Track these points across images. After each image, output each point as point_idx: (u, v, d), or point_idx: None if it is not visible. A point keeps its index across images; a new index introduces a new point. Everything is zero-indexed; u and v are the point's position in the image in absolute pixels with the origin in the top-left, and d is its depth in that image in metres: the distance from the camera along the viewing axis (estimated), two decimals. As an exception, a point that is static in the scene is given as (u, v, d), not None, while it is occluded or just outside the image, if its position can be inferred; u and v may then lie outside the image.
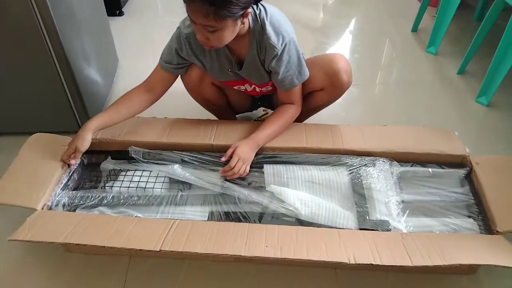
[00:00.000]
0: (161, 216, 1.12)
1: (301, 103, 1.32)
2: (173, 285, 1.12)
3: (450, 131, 1.34)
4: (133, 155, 1.26)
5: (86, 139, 1.18)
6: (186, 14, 1.06)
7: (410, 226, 1.09)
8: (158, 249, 0.95)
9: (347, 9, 2.71)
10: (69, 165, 1.23)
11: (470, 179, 1.23)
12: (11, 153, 1.22)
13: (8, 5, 1.22)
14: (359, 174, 1.20)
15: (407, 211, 1.13)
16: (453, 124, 1.70)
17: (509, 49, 1.62)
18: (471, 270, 1.12)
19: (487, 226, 1.10)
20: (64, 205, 1.15)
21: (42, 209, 1.09)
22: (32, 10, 1.24)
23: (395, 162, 1.23)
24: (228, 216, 1.11)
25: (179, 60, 1.24)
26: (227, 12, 0.98)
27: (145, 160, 1.26)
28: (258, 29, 1.15)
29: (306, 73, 1.24)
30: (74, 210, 1.14)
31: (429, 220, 1.12)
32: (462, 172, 1.23)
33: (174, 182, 1.22)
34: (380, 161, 1.23)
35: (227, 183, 1.18)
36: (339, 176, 1.21)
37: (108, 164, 1.28)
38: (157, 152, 1.27)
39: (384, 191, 1.16)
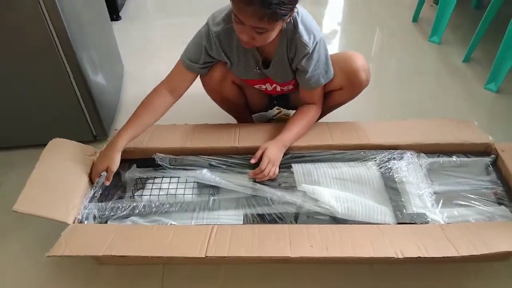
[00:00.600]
0: (196, 222, 1.11)
1: (322, 103, 1.33)
2: (213, 288, 1.12)
3: (470, 121, 1.35)
4: (159, 162, 1.25)
5: (116, 161, 1.18)
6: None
7: (446, 217, 1.10)
8: (203, 256, 0.94)
9: (341, 4, 2.71)
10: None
11: (496, 166, 1.24)
12: (27, 166, 1.18)
13: (20, 17, 1.19)
14: (389, 168, 1.21)
15: (441, 202, 1.14)
16: (463, 113, 1.72)
17: (517, 35, 1.64)
18: (505, 256, 1.13)
19: (519, 213, 1.11)
20: (94, 217, 1.13)
21: (74, 222, 1.07)
22: (44, 20, 1.21)
23: (422, 153, 1.24)
24: (263, 218, 1.11)
25: (206, 58, 1.23)
26: (282, 14, 0.98)
27: (172, 167, 1.25)
28: (291, 28, 1.15)
29: (332, 72, 1.25)
30: (106, 222, 1.12)
31: (463, 210, 1.13)
32: (487, 160, 1.24)
33: (203, 187, 1.21)
34: (408, 154, 1.23)
35: (258, 185, 1.17)
36: (369, 171, 1.21)
37: (134, 173, 1.26)
38: (183, 158, 1.26)
39: (416, 183, 1.16)
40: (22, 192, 1.06)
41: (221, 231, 1.02)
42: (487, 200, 1.16)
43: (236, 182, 1.19)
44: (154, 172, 1.26)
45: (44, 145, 1.27)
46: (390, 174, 1.20)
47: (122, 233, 1.03)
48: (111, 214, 1.14)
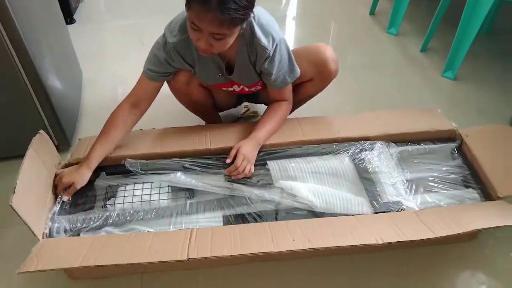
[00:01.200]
0: (174, 227, 1.08)
1: (292, 98, 1.33)
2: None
3: (434, 109, 1.41)
4: (130, 168, 1.20)
5: (84, 178, 1.16)
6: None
7: (420, 203, 1.13)
8: (185, 258, 0.92)
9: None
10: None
11: (461, 151, 1.29)
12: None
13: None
14: (362, 159, 1.23)
15: (413, 189, 1.17)
16: (424, 101, 1.78)
17: (471, 23, 1.72)
18: (472, 236, 1.18)
19: (486, 194, 1.17)
20: (65, 231, 1.08)
21: (43, 237, 1.02)
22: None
23: (392, 143, 1.27)
24: (243, 218, 1.09)
25: (168, 68, 1.21)
26: (240, 19, 0.98)
27: (144, 172, 1.21)
28: (248, 32, 1.14)
29: (298, 70, 1.25)
30: (78, 235, 1.07)
31: (435, 195, 1.17)
32: (453, 145, 1.29)
33: (178, 191, 1.18)
34: (378, 144, 1.26)
35: (236, 184, 1.16)
36: (343, 163, 1.23)
37: (103, 181, 1.21)
38: (155, 162, 1.23)
39: (389, 172, 1.19)
40: (17, 188, 0.98)
41: (201, 233, 1.00)
42: (456, 184, 1.20)
43: (212, 183, 1.17)
44: (124, 179, 1.21)
45: (8, 158, 1.21)
46: (363, 165, 1.22)
47: (97, 244, 0.99)
48: (83, 226, 1.09)
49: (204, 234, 1.00)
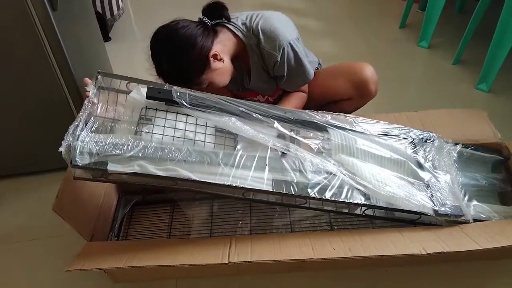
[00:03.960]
0: (220, 179, 0.95)
1: (307, 90, 1.35)
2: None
3: (479, 111, 1.38)
4: (176, 99, 1.01)
5: None
6: None
7: (472, 211, 1.10)
8: (226, 262, 0.93)
9: (328, 10, 2.75)
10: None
11: (506, 165, 1.26)
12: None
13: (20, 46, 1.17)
14: (423, 150, 1.17)
15: (467, 196, 1.13)
16: (458, 113, 1.74)
17: (506, 34, 1.69)
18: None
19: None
20: (91, 154, 0.89)
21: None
22: (42, 43, 1.18)
23: (451, 140, 1.22)
24: (290, 188, 0.99)
25: None
26: (194, 77, 1.10)
27: (191, 107, 1.01)
28: (254, 42, 1.17)
29: (311, 72, 1.26)
30: (106, 163, 0.90)
31: (479, 207, 1.13)
32: (499, 158, 1.26)
33: (224, 137, 1.05)
34: (441, 139, 1.20)
35: (292, 145, 1.04)
36: (406, 152, 1.15)
37: (138, 97, 1.02)
38: (206, 98, 1.05)
39: (447, 171, 1.14)
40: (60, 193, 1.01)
41: (242, 240, 1.01)
42: (497, 198, 1.18)
43: (267, 136, 1.03)
44: (165, 106, 1.05)
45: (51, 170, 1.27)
46: (424, 157, 1.16)
47: (140, 247, 1.02)
48: (113, 152, 0.91)
49: (244, 241, 1.00)
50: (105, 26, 2.45)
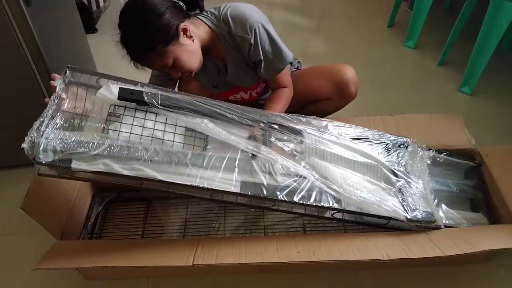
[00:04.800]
0: (187, 180, 0.94)
1: (292, 85, 1.31)
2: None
3: (456, 116, 1.38)
4: (146, 100, 0.99)
5: None
6: None
7: (445, 218, 1.10)
8: (190, 264, 0.93)
9: (319, 8, 2.73)
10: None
11: (478, 171, 1.26)
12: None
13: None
14: (397, 155, 1.17)
15: (436, 201, 1.13)
16: (440, 115, 1.74)
17: (489, 38, 1.69)
18: (488, 257, 1.15)
19: (496, 221, 1.15)
20: (55, 151, 0.88)
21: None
22: (16, 39, 1.18)
23: (425, 145, 1.22)
24: (259, 189, 0.99)
25: None
26: (159, 44, 1.06)
27: (163, 107, 1.00)
28: (225, 30, 1.16)
29: (288, 54, 1.22)
30: (70, 160, 0.88)
31: (449, 213, 1.14)
32: (471, 164, 1.26)
33: (193, 136, 1.02)
34: (414, 144, 1.20)
35: (263, 147, 1.03)
36: (378, 157, 1.15)
37: (107, 94, 1.00)
38: (179, 99, 1.04)
39: (419, 177, 1.14)
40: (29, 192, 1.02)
41: (209, 242, 1.01)
42: (467, 205, 1.19)
43: (238, 137, 1.03)
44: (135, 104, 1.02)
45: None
46: (397, 162, 1.16)
47: (108, 246, 1.03)
48: (79, 150, 0.89)
49: (211, 243, 1.01)
50: (90, 18, 2.43)
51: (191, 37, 1.11)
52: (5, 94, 1.30)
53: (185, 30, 1.10)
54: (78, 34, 1.72)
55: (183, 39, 1.09)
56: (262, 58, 1.17)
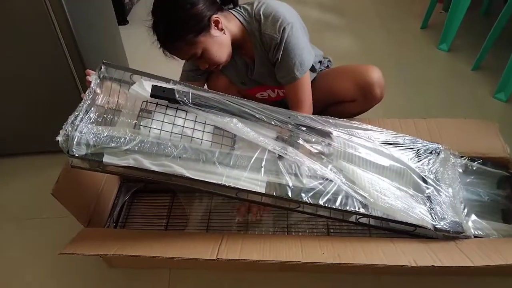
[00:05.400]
0: (213, 178, 0.96)
1: (311, 103, 1.24)
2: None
3: (492, 123, 1.34)
4: (178, 98, 1.00)
5: None
6: None
7: (473, 228, 1.08)
8: (214, 258, 0.93)
9: (352, 6, 2.70)
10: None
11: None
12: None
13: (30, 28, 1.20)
14: (427, 162, 1.15)
15: (465, 211, 1.10)
16: (473, 122, 1.69)
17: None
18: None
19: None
20: (88, 145, 0.91)
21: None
22: (53, 28, 1.21)
23: (457, 153, 1.19)
24: (285, 190, 0.99)
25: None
26: (190, 33, 1.05)
27: (193, 106, 1.01)
28: (256, 27, 1.15)
29: (309, 62, 1.18)
30: (102, 154, 0.92)
31: (479, 223, 1.11)
32: (505, 174, 1.22)
33: (221, 135, 1.04)
34: (447, 151, 1.17)
35: (290, 148, 1.03)
36: (409, 163, 1.12)
37: (140, 90, 1.02)
38: (209, 98, 1.05)
39: (450, 185, 1.12)
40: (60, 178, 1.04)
41: (233, 238, 1.02)
42: (498, 216, 1.15)
43: (267, 138, 1.03)
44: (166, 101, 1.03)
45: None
46: (427, 169, 1.14)
47: (134, 236, 1.05)
48: (110, 145, 0.92)
49: (235, 238, 1.01)
50: (122, 9, 2.47)
51: (222, 29, 1.11)
52: (39, 81, 1.34)
53: (216, 22, 1.09)
54: (111, 25, 1.75)
55: (214, 31, 1.09)
56: (279, 58, 1.15)
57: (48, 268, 1.21)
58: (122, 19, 2.48)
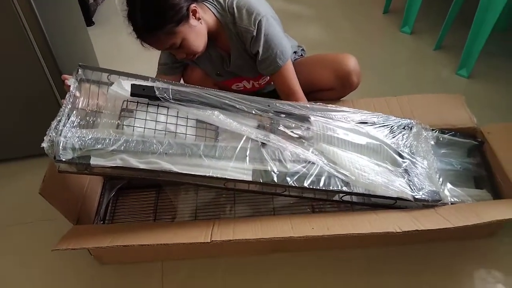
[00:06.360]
0: (201, 171, 0.98)
1: (301, 91, 1.26)
2: (213, 284, 1.15)
3: (458, 95, 1.41)
4: (158, 95, 1.02)
5: None
6: None
7: (450, 196, 1.14)
8: (209, 240, 0.96)
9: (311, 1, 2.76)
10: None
11: (481, 149, 1.29)
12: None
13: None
14: (402, 137, 1.20)
15: (440, 180, 1.16)
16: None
17: (485, 20, 1.72)
18: (490, 233, 1.19)
19: (500, 196, 1.19)
20: (74, 149, 0.92)
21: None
22: (26, 35, 1.20)
23: (428, 126, 1.25)
24: (270, 176, 1.03)
25: (175, 60, 1.25)
26: (170, 23, 1.04)
27: (175, 101, 1.04)
28: (230, 20, 1.16)
29: (288, 50, 1.21)
30: (88, 157, 0.93)
31: (454, 191, 1.18)
32: (474, 143, 1.29)
33: (204, 128, 1.07)
34: (418, 125, 1.23)
35: (272, 135, 1.07)
36: (384, 139, 1.18)
37: (119, 90, 1.03)
38: (190, 92, 1.07)
39: (424, 157, 1.17)
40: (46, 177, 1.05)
41: (224, 222, 1.05)
42: (471, 183, 1.22)
43: (249, 128, 1.07)
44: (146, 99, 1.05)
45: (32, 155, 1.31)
46: (402, 143, 1.19)
47: (124, 229, 1.06)
48: (96, 147, 0.93)
49: (227, 222, 1.04)
50: (88, 11, 2.43)
51: (199, 19, 1.12)
52: (13, 85, 1.32)
53: (194, 12, 1.09)
54: (80, 27, 1.74)
55: (192, 20, 1.09)
56: (260, 51, 1.16)
57: (40, 272, 1.21)
58: (88, 21, 2.45)
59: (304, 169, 1.06)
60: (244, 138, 1.06)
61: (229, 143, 1.06)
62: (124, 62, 2.10)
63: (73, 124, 0.96)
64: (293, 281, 1.14)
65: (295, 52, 1.43)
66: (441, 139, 1.27)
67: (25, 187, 1.44)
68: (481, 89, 1.83)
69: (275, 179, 1.03)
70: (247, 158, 1.04)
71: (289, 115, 1.14)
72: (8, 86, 1.32)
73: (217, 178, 0.99)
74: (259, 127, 1.10)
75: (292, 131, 1.12)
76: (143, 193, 1.35)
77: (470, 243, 1.19)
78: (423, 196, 1.08)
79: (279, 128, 1.11)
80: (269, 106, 1.13)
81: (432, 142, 1.23)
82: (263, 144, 1.07)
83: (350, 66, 1.30)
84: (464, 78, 1.89)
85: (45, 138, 0.91)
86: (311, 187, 1.04)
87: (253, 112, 1.10)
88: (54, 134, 0.92)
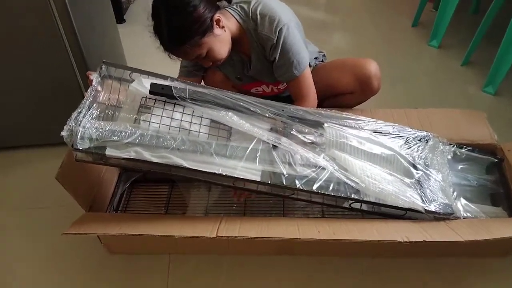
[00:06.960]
0: (211, 168, 1.01)
1: (315, 95, 1.28)
2: (217, 281, 1.16)
3: (480, 112, 1.38)
4: (175, 94, 1.06)
5: None
6: None
7: (463, 211, 1.12)
8: (214, 235, 0.97)
9: (343, 4, 2.75)
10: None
11: (500, 166, 1.26)
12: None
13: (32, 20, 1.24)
14: (416, 149, 1.19)
15: (455, 195, 1.14)
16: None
17: (515, 38, 1.69)
18: (504, 252, 1.16)
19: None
20: (91, 139, 0.96)
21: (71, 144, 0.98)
22: (56, 28, 1.26)
23: (446, 140, 1.23)
24: (279, 178, 1.03)
25: (197, 63, 1.26)
26: (196, 34, 1.06)
27: (191, 101, 1.07)
28: (252, 26, 1.18)
29: (305, 63, 1.21)
30: (104, 148, 0.97)
31: (468, 207, 1.15)
32: (493, 160, 1.26)
33: (218, 128, 1.10)
34: (435, 138, 1.21)
35: (284, 138, 1.08)
36: (398, 150, 1.16)
37: (140, 88, 1.08)
38: (206, 93, 1.10)
39: (439, 170, 1.16)
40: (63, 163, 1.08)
41: (231, 219, 1.06)
42: (487, 200, 1.19)
43: (259, 129, 1.09)
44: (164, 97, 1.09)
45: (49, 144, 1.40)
46: (417, 155, 1.17)
47: (135, 219, 1.09)
48: (112, 138, 0.98)
49: (234, 220, 1.06)
50: (120, 8, 2.50)
51: (223, 27, 1.14)
52: (41, 74, 1.38)
53: (218, 21, 1.11)
54: (111, 25, 1.80)
55: (216, 30, 1.11)
56: (277, 58, 1.18)
57: (49, 258, 1.24)
58: (120, 18, 2.52)
59: (314, 174, 1.06)
60: (255, 139, 1.07)
61: (240, 143, 1.08)
62: (151, 60, 2.13)
63: (93, 116, 1.01)
64: (293, 283, 1.14)
65: (315, 58, 1.44)
66: (458, 153, 1.24)
67: (44, 173, 1.48)
68: (506, 107, 1.78)
69: (284, 181, 1.03)
70: (257, 159, 1.05)
71: (303, 120, 1.15)
72: (35, 75, 1.37)
73: (226, 176, 1.01)
74: (271, 130, 1.12)
75: (304, 136, 1.13)
76: (156, 187, 1.38)
77: (482, 261, 1.15)
78: (434, 208, 1.06)
79: (291, 132, 1.12)
80: (283, 110, 1.14)
81: (449, 157, 1.21)
82: (274, 147, 1.08)
83: (371, 71, 1.30)
84: (490, 95, 1.85)
85: (65, 127, 0.96)
86: (319, 191, 1.04)
87: (267, 115, 1.11)
88: (73, 124, 0.97)
